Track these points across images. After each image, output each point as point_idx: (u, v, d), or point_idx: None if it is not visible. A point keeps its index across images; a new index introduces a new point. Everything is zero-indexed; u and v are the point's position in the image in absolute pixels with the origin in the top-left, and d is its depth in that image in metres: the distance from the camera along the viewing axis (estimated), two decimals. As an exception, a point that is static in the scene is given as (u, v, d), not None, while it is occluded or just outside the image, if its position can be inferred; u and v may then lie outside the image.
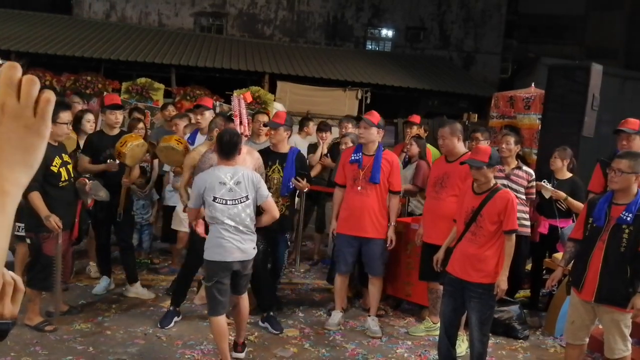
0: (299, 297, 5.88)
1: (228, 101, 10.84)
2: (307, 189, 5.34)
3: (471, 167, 3.93)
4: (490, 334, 4.11)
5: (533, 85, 7.64)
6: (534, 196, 5.47)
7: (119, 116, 5.37)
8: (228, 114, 5.00)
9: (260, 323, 4.93)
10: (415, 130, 6.93)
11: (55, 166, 4.36)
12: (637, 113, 16.21)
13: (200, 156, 4.69)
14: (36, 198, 4.23)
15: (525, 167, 5.47)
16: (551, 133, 6.28)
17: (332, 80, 14.44)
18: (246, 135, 4.88)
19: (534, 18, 24.63)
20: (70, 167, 4.57)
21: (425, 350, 4.73)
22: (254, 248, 4.04)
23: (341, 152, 5.70)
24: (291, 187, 5.23)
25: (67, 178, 4.50)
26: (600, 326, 3.95)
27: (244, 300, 4.20)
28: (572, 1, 24.88)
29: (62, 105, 4.53)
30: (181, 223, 5.84)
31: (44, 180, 4.29)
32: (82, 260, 6.19)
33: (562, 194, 5.39)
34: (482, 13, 20.61)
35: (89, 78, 11.05)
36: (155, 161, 6.43)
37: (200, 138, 5.58)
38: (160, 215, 6.65)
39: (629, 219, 3.59)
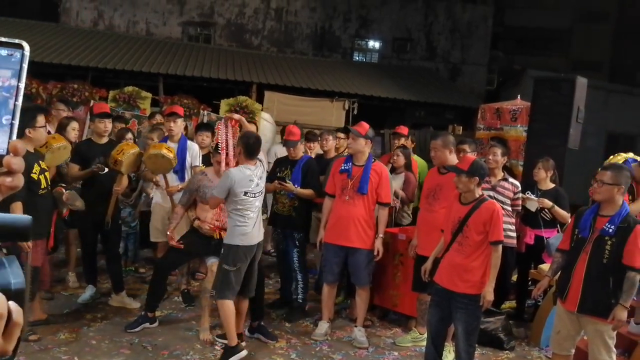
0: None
1: (216, 110, 10.84)
2: (293, 191, 5.40)
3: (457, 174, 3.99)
4: (476, 345, 4.12)
5: (519, 97, 7.71)
6: (520, 208, 5.52)
7: (108, 125, 5.38)
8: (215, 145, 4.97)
9: (248, 334, 4.92)
10: (402, 141, 6.94)
11: (35, 173, 4.26)
12: (621, 126, 16.40)
13: (191, 177, 5.29)
14: (18, 209, 4.05)
15: (511, 179, 5.52)
16: (537, 145, 6.34)
17: (320, 91, 14.45)
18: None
19: (519, 30, 24.92)
20: (47, 174, 4.47)
21: (412, 361, 4.74)
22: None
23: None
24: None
25: (45, 186, 4.41)
26: (586, 337, 3.98)
27: (245, 302, 4.68)
28: (558, 14, 25.22)
29: (38, 109, 4.38)
30: (159, 234, 5.81)
31: (26, 188, 4.15)
32: (62, 270, 6.15)
33: (549, 203, 5.46)
34: (468, 24, 20.75)
35: (75, 86, 10.96)
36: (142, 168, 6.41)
37: (170, 145, 5.60)
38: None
39: (611, 230, 3.63)
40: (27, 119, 4.21)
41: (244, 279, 4.45)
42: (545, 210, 5.56)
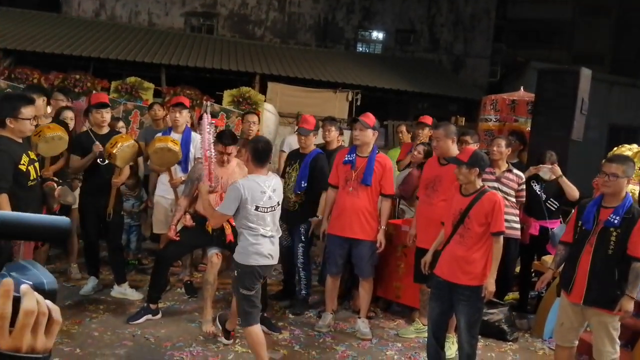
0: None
1: (219, 101, 10.81)
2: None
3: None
4: (479, 336, 4.12)
5: (522, 89, 7.66)
6: (524, 199, 5.51)
7: (105, 115, 5.29)
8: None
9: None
10: (427, 132, 6.37)
11: (23, 164, 4.02)
12: (623, 118, 16.38)
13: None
14: (4, 201, 3.86)
15: (515, 170, 5.50)
16: (541, 136, 6.30)
17: (323, 82, 14.41)
18: (210, 183, 4.34)
19: (522, 23, 24.83)
20: (37, 165, 4.25)
21: (415, 353, 4.73)
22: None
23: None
24: (303, 186, 5.30)
25: (35, 177, 4.18)
26: (589, 329, 3.97)
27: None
28: (560, 6, 25.09)
29: (24, 99, 4.13)
30: (162, 226, 5.78)
31: (13, 180, 3.96)
32: (65, 261, 6.15)
33: (559, 171, 5.50)
34: (471, 17, 20.71)
35: (77, 77, 10.93)
36: (140, 159, 6.39)
37: (174, 136, 5.58)
38: (150, 215, 6.60)
39: (616, 221, 3.63)
40: (9, 108, 3.96)
41: None
42: (551, 200, 5.57)
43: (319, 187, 5.31)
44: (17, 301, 0.77)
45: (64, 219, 0.88)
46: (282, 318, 5.28)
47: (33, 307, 0.77)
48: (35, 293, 0.79)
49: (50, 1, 18.66)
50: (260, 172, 3.93)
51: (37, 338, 0.79)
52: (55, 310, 0.81)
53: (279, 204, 4.01)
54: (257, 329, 3.94)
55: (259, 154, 3.91)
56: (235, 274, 3.97)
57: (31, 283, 0.81)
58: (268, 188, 3.89)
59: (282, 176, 5.55)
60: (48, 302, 0.80)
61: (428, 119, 6.64)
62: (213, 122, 4.35)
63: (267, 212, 3.89)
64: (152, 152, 5.20)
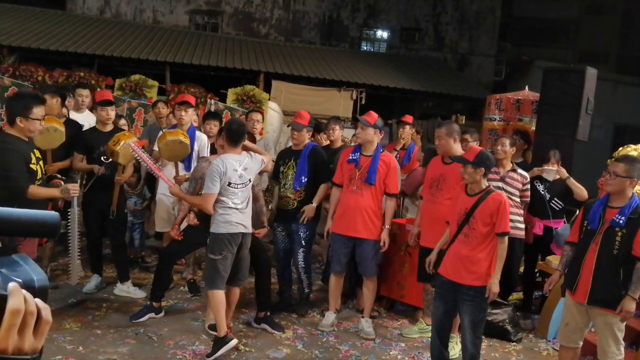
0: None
1: (223, 99, 10.81)
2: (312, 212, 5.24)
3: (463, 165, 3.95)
4: (483, 337, 4.10)
5: (527, 88, 7.62)
6: (529, 199, 5.48)
7: (110, 112, 5.28)
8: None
9: (255, 324, 4.90)
10: (407, 130, 6.88)
11: (33, 164, 4.00)
12: (629, 117, 16.31)
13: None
14: (37, 188, 3.92)
15: (520, 170, 5.47)
16: (545, 135, 6.27)
17: (327, 80, 14.39)
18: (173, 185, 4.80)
19: (527, 21, 24.80)
20: (41, 163, 4.18)
21: (419, 352, 4.71)
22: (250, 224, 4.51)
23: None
24: (304, 181, 5.22)
25: (41, 176, 4.15)
26: (593, 329, 3.95)
27: (236, 292, 4.60)
28: (565, 5, 25.05)
29: (36, 99, 4.07)
30: (164, 224, 5.76)
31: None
32: (67, 258, 6.13)
33: (565, 173, 5.47)
34: (476, 15, 20.66)
35: (82, 74, 10.93)
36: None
37: None
38: (153, 212, 6.59)
39: (621, 222, 3.61)
40: (20, 107, 3.92)
41: (233, 268, 4.38)
42: (555, 199, 5.54)
43: (321, 181, 5.24)
44: (3, 300, 0.75)
45: (53, 214, 0.85)
46: (286, 317, 5.26)
47: (20, 306, 0.75)
48: (24, 291, 0.76)
49: (56, -2, 18.68)
50: (234, 152, 4.31)
51: (25, 338, 0.76)
52: (45, 309, 0.78)
53: (250, 181, 4.41)
54: (220, 293, 4.30)
55: (232, 134, 4.30)
56: (208, 242, 4.39)
57: (20, 280, 0.78)
58: (240, 167, 4.30)
59: (276, 177, 5.44)
60: (38, 300, 0.78)
61: (409, 118, 7.08)
62: (138, 144, 4.86)
63: (237, 188, 4.30)
64: (162, 144, 5.17)
